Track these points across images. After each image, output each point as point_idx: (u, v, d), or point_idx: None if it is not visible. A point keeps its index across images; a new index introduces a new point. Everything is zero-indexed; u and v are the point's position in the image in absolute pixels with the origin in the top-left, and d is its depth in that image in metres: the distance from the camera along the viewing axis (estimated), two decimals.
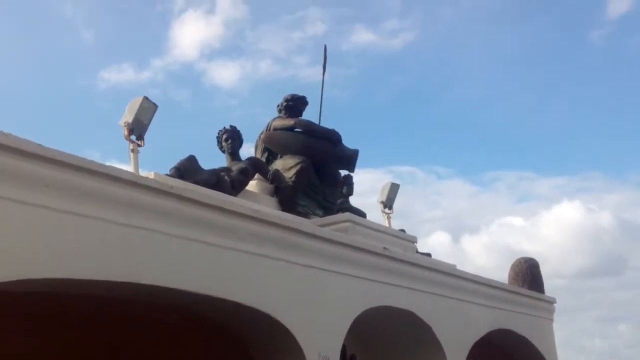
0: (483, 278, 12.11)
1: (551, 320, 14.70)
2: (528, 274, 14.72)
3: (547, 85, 44.59)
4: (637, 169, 49.14)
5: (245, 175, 10.42)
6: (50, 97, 38.80)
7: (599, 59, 43.21)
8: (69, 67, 40.72)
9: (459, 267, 11.96)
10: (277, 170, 11.41)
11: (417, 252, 11.78)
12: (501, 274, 14.97)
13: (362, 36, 43.82)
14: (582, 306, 45.14)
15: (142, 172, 8.16)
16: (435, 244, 41.74)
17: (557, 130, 46.31)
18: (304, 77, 39.57)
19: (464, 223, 49.88)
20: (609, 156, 47.04)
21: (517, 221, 47.37)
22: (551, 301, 14.70)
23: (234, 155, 11.27)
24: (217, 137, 11.50)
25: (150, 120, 8.65)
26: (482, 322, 11.93)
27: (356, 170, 12.67)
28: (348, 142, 12.55)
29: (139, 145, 8.55)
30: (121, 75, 41.89)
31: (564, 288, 41.63)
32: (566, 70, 43.89)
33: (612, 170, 50.51)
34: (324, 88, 13.09)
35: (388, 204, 12.96)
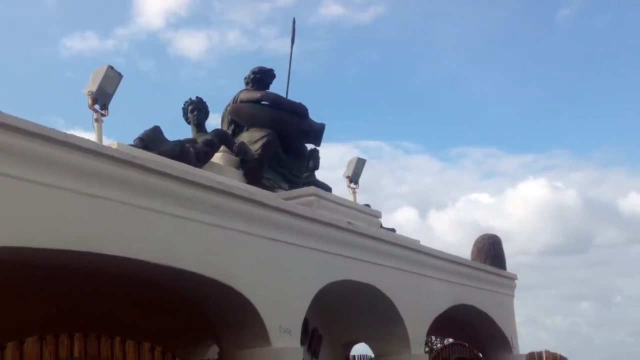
0: (445, 254, 12.28)
1: (512, 296, 14.96)
2: (490, 250, 14.93)
3: (516, 62, 45.04)
4: (602, 147, 50.04)
5: (210, 147, 10.39)
6: (11, 63, 38.13)
7: (567, 37, 43.71)
8: (31, 33, 40.01)
9: (427, 243, 12.13)
10: (242, 143, 11.39)
11: (381, 227, 11.90)
12: (468, 251, 15.20)
13: (331, 9, 43.70)
14: (546, 283, 46.08)
15: (106, 142, 8.10)
16: (402, 219, 42.15)
17: (523, 108, 46.85)
18: (272, 49, 39.39)
19: (430, 199, 50.42)
20: (574, 134, 47.84)
21: (484, 198, 48.01)
22: (512, 277, 14.96)
23: (199, 126, 11.24)
24: (183, 108, 11.46)
25: (114, 89, 8.56)
26: (444, 297, 12.10)
27: (322, 144, 12.75)
28: (315, 116, 12.59)
29: (103, 115, 8.48)
30: (84, 44, 41.32)
31: (529, 265, 42.44)
32: (534, 49, 44.35)
33: (577, 148, 51.35)
34: (292, 61, 13.11)
35: (354, 178, 13.03)
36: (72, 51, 42.32)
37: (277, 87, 12.63)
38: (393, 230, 12.40)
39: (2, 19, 36.81)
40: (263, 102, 12.17)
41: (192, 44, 46.28)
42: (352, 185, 13.04)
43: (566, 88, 46.55)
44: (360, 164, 13.18)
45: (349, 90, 46.81)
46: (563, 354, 17.54)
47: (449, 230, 44.60)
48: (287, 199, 9.62)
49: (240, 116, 12.20)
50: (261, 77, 12.40)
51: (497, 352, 14.45)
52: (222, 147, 11.07)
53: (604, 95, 46.12)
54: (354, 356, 12.13)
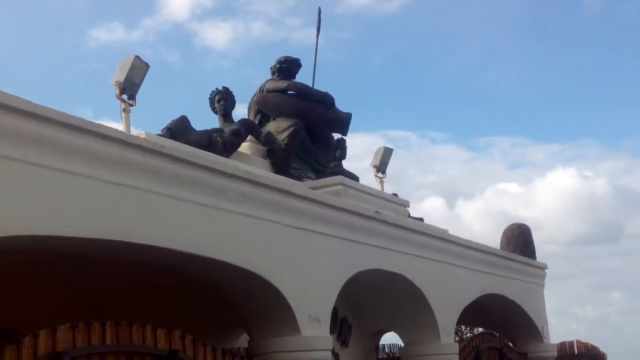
0: (474, 243, 12.16)
1: (542, 285, 14.81)
2: (520, 239, 14.78)
3: (543, 51, 44.52)
4: (632, 135, 49.38)
5: (237, 136, 10.38)
6: (40, 54, 38.54)
7: (595, 24, 43.13)
8: (59, 25, 40.38)
9: (455, 232, 12.00)
10: (269, 133, 11.38)
11: (409, 216, 11.82)
12: (496, 240, 15.06)
13: None
14: (576, 273, 45.63)
15: (134, 132, 8.14)
16: (430, 209, 41.97)
17: (552, 96, 46.34)
18: (298, 39, 39.38)
19: (458, 189, 50.15)
20: (604, 123, 47.27)
21: (512, 187, 47.70)
22: (542, 267, 14.80)
23: (226, 116, 11.23)
24: (210, 98, 11.46)
25: (141, 79, 8.60)
26: (473, 286, 12.00)
27: (349, 134, 12.70)
28: (341, 105, 12.53)
29: (130, 105, 8.52)
30: (111, 35, 41.63)
31: (558, 254, 42.06)
32: (562, 36, 43.85)
33: (607, 137, 50.78)
34: (318, 51, 13.06)
35: (381, 168, 12.97)
36: (99, 42, 42.71)
37: (302, 77, 12.61)
38: (421, 219, 12.31)
39: (31, 10, 37.22)
40: (289, 92, 12.14)
41: (217, 35, 46.48)
42: (380, 174, 12.98)
43: (594, 76, 45.99)
44: (387, 153, 13.12)
45: (375, 80, 46.69)
46: (594, 344, 17.36)
47: (476, 220, 44.39)
48: (314, 188, 9.58)
49: (266, 106, 12.19)
50: (287, 67, 12.36)
51: (528, 341, 14.32)
52: (249, 137, 11.06)
53: (632, 83, 45.48)
54: (384, 345, 12.09)
